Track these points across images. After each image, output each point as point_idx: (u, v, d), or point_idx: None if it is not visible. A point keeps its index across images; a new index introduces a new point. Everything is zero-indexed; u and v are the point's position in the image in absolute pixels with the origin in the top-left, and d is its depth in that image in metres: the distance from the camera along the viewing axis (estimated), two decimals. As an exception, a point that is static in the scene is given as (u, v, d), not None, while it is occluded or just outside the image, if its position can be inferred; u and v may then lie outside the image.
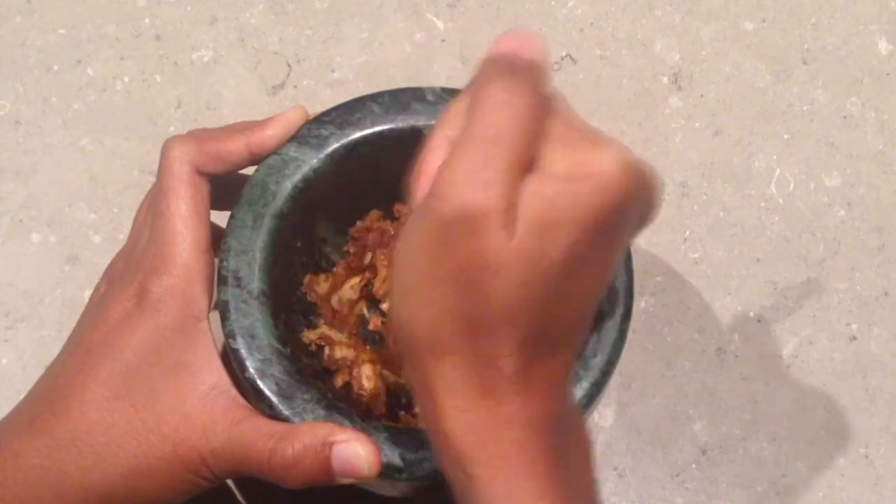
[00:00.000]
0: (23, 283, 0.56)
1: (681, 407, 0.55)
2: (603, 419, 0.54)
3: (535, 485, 0.32)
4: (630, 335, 0.51)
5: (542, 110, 0.32)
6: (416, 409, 0.47)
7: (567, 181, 0.31)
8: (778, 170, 0.59)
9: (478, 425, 0.32)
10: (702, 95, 0.60)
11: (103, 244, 0.57)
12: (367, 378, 0.47)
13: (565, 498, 0.33)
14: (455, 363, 0.32)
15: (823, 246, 0.58)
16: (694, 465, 0.54)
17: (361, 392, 0.47)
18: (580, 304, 0.33)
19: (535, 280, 0.31)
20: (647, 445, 0.54)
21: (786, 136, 0.60)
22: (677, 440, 0.54)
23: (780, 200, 0.58)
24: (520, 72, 0.32)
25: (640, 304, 0.56)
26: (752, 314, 0.56)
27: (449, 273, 0.31)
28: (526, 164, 0.31)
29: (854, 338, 0.56)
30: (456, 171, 0.30)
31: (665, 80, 0.61)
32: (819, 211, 0.58)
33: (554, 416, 0.33)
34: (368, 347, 0.49)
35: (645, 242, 0.57)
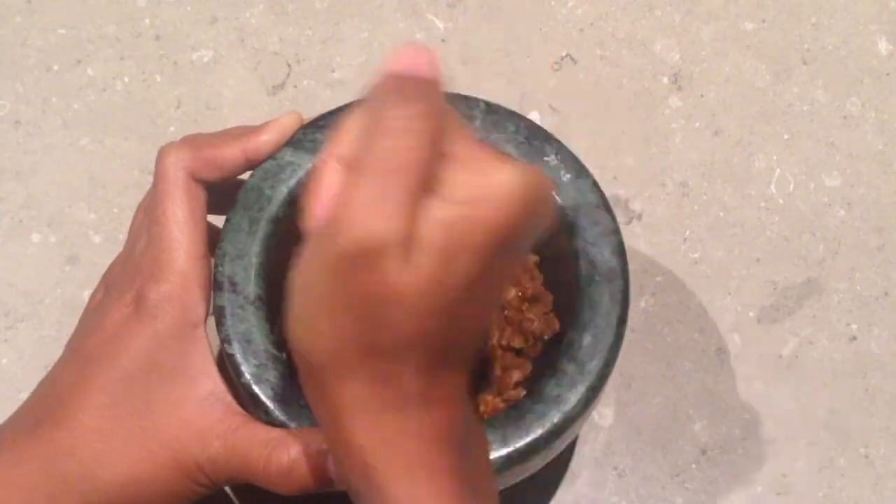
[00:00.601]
0: (23, 283, 0.56)
1: (681, 407, 0.54)
2: (603, 419, 0.54)
3: (436, 495, 0.33)
4: (630, 335, 0.51)
5: (439, 132, 0.31)
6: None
7: (465, 205, 0.30)
8: (778, 170, 0.59)
9: (380, 440, 0.32)
10: (702, 95, 0.60)
11: (103, 244, 0.57)
12: None
13: (464, 501, 0.33)
14: (356, 382, 0.32)
15: (823, 246, 0.58)
16: (694, 465, 0.54)
17: None
18: (478, 321, 0.34)
19: (437, 308, 0.31)
20: (647, 445, 0.54)
21: (786, 136, 0.60)
22: (677, 440, 0.54)
23: (780, 200, 0.58)
24: (415, 93, 0.31)
25: (639, 304, 0.56)
26: (752, 314, 0.56)
27: (349, 304, 0.31)
28: (425, 188, 0.30)
29: (854, 338, 0.56)
30: (354, 203, 0.30)
31: (665, 80, 0.61)
32: (819, 211, 0.58)
33: (455, 428, 0.34)
34: None
35: (645, 242, 0.57)
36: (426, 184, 0.31)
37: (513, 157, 0.32)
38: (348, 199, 0.30)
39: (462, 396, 0.34)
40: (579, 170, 0.45)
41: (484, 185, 0.31)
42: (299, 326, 0.32)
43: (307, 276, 0.32)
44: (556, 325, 0.46)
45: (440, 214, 0.30)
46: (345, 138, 0.32)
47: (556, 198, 0.32)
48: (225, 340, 0.41)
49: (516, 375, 0.46)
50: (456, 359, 0.33)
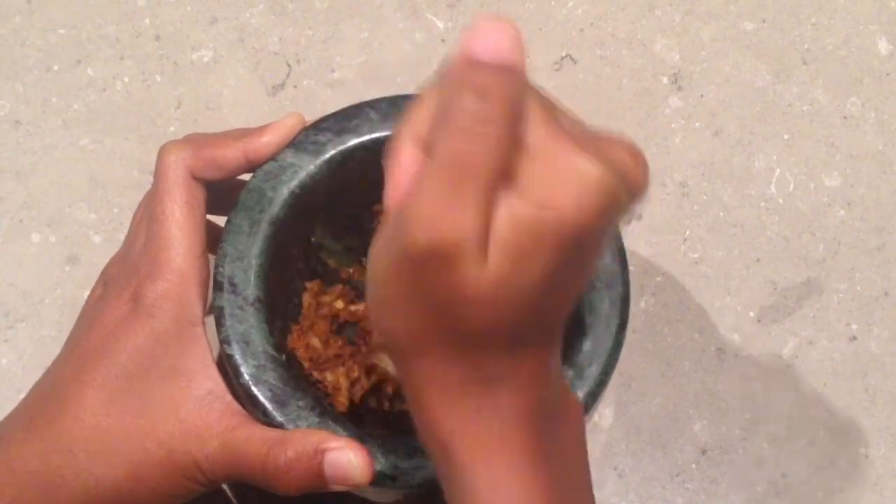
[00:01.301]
0: (23, 283, 0.56)
1: (681, 407, 0.54)
2: (603, 419, 0.54)
3: (516, 474, 0.32)
4: (630, 335, 0.51)
5: (517, 126, 0.30)
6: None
7: (540, 203, 0.30)
8: (778, 170, 0.59)
9: (461, 418, 0.32)
10: (702, 95, 0.60)
11: (103, 244, 0.57)
12: (329, 373, 0.47)
13: (546, 486, 0.33)
14: (436, 360, 0.32)
15: (823, 246, 0.58)
16: (694, 465, 0.54)
17: (325, 386, 0.47)
18: (559, 308, 0.33)
19: (513, 303, 0.30)
20: (647, 445, 0.54)
21: (786, 136, 0.60)
22: (677, 440, 0.54)
23: (780, 200, 0.58)
24: (493, 87, 0.30)
25: (639, 304, 0.56)
26: (752, 314, 0.56)
27: (424, 300, 0.31)
28: (498, 186, 0.30)
29: (854, 338, 0.56)
30: (424, 203, 0.29)
31: (665, 80, 0.61)
32: (819, 211, 0.58)
33: (540, 408, 0.33)
34: (339, 343, 0.49)
35: (645, 242, 0.57)
36: (500, 182, 0.30)
37: (604, 141, 0.31)
38: (422, 194, 0.30)
39: (548, 374, 0.34)
40: None
41: (560, 182, 0.30)
42: (381, 314, 0.32)
43: (384, 266, 0.31)
44: None
45: (515, 212, 0.30)
46: (421, 116, 0.31)
47: (646, 178, 0.32)
48: (224, 341, 0.41)
49: None
50: (538, 339, 0.33)
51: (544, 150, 0.30)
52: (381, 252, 0.31)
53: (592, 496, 0.36)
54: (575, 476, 0.36)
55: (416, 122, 0.31)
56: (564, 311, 0.34)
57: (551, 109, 0.32)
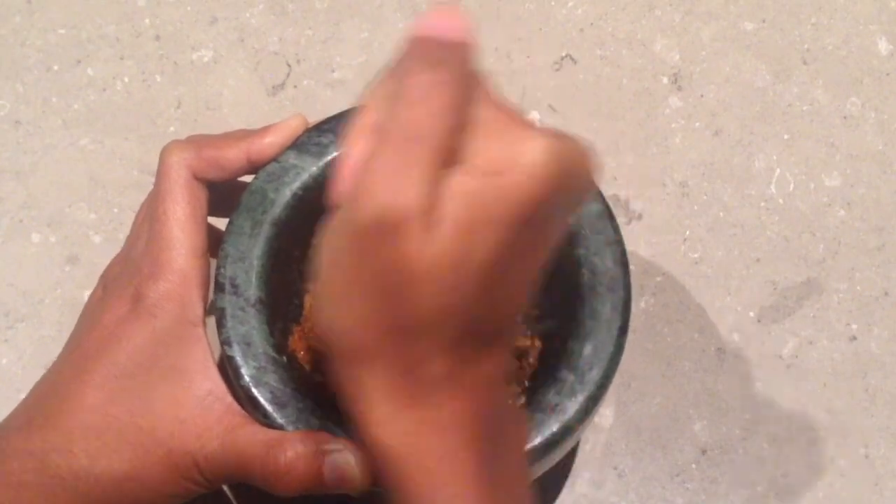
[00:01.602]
0: (23, 283, 0.56)
1: (681, 407, 0.54)
2: (603, 419, 0.54)
3: (457, 496, 0.31)
4: (630, 335, 0.51)
5: (465, 99, 0.30)
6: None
7: (491, 175, 0.29)
8: (778, 170, 0.59)
9: (403, 432, 0.31)
10: (702, 95, 0.60)
11: (103, 244, 0.57)
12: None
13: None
14: (379, 370, 0.31)
15: (823, 246, 0.58)
16: (694, 465, 0.54)
17: (326, 388, 0.47)
18: (511, 297, 0.32)
19: (461, 282, 0.29)
20: (647, 445, 0.54)
21: (786, 136, 0.60)
22: (677, 440, 0.54)
23: (780, 200, 0.58)
24: (441, 57, 0.30)
25: (640, 305, 0.56)
26: (752, 314, 0.56)
27: (370, 279, 0.29)
28: (448, 158, 0.29)
29: (854, 338, 0.56)
30: (374, 174, 0.29)
31: (665, 80, 0.61)
32: (819, 211, 0.58)
33: (486, 419, 0.32)
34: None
35: (645, 242, 0.57)
36: (449, 153, 0.29)
37: (550, 130, 0.31)
38: (368, 170, 0.29)
39: (496, 381, 0.33)
40: None
41: (510, 154, 0.29)
42: (323, 307, 0.31)
43: (330, 252, 0.30)
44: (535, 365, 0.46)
45: (462, 185, 0.29)
46: (373, 106, 0.31)
47: (595, 165, 0.32)
48: (225, 342, 0.41)
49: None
50: (486, 339, 0.31)
51: (492, 125, 0.30)
52: (328, 239, 0.31)
53: None
54: (518, 494, 0.34)
55: (369, 112, 0.31)
56: (514, 308, 0.32)
57: (497, 94, 0.31)
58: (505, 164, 0.29)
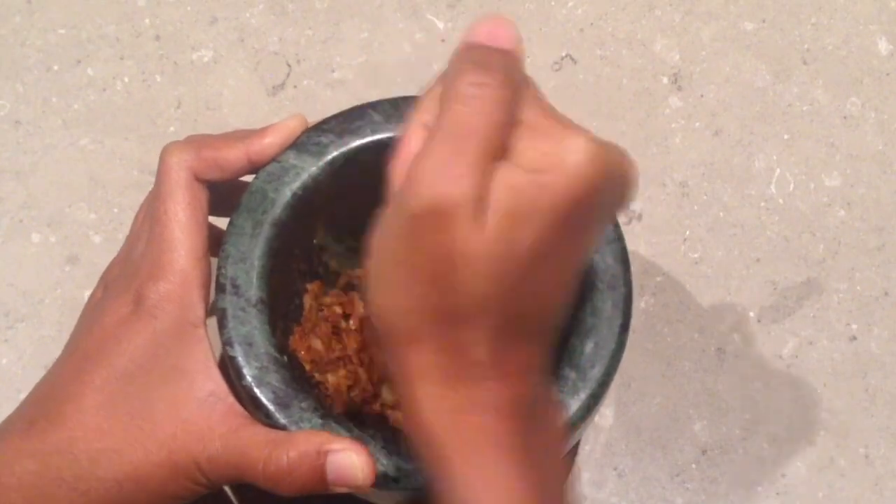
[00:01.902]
0: (23, 283, 0.56)
1: (681, 407, 0.54)
2: (603, 419, 0.54)
3: (502, 468, 0.33)
4: (630, 335, 0.51)
5: (514, 100, 0.32)
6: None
7: (536, 172, 0.31)
8: (778, 170, 0.59)
9: (448, 410, 0.33)
10: (702, 95, 0.60)
11: (103, 244, 0.57)
12: (330, 375, 0.47)
13: (531, 482, 0.33)
14: (427, 350, 0.32)
15: (823, 246, 0.58)
16: (694, 465, 0.54)
17: (326, 388, 0.47)
18: (552, 292, 0.33)
19: (506, 270, 0.31)
20: (647, 445, 0.54)
21: (786, 136, 0.60)
22: (677, 440, 0.54)
23: (780, 200, 0.58)
24: (492, 62, 0.32)
25: (640, 305, 0.56)
26: (752, 314, 0.56)
27: (421, 264, 0.31)
28: (496, 154, 0.31)
29: (854, 338, 0.56)
30: (426, 165, 0.31)
31: (665, 80, 0.61)
32: (819, 211, 0.58)
33: (524, 403, 0.33)
34: (341, 346, 0.49)
35: (645, 242, 0.57)
36: (498, 150, 0.31)
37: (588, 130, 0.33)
38: (421, 161, 0.31)
39: (536, 372, 0.34)
40: None
41: (555, 153, 0.31)
42: (374, 286, 0.33)
43: (384, 240, 0.32)
44: None
45: (510, 179, 0.31)
46: (427, 106, 0.33)
47: (635, 174, 0.34)
48: (227, 343, 0.41)
49: None
50: (528, 329, 0.33)
51: (539, 125, 0.32)
52: (382, 228, 0.32)
53: (567, 496, 0.37)
54: (555, 479, 0.36)
55: (423, 111, 0.33)
56: (554, 303, 0.34)
57: (543, 96, 0.34)
58: (550, 162, 0.31)
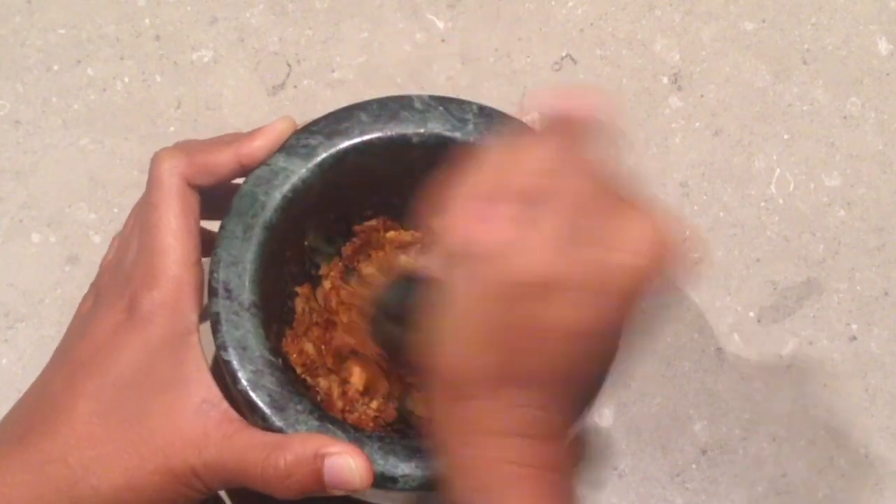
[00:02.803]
0: (23, 283, 0.56)
1: (681, 407, 0.54)
2: (603, 419, 0.54)
3: None
4: (630, 335, 0.51)
5: (589, 174, 0.34)
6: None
7: (608, 250, 0.33)
8: (778, 170, 0.59)
9: (498, 458, 0.35)
10: (702, 95, 0.60)
11: (103, 244, 0.56)
12: (322, 379, 0.48)
13: None
14: (489, 407, 0.34)
15: (823, 246, 0.57)
16: (694, 465, 0.54)
17: (318, 392, 0.47)
18: (603, 365, 0.37)
19: (577, 346, 0.33)
20: (647, 445, 0.54)
21: (786, 136, 0.60)
22: (677, 440, 0.54)
23: (780, 200, 0.58)
24: (570, 134, 0.34)
25: (639, 305, 0.56)
26: (752, 314, 0.56)
27: (505, 331, 0.33)
28: (573, 227, 0.33)
29: (854, 338, 0.56)
30: (522, 240, 0.32)
31: (665, 80, 0.61)
32: (819, 211, 0.58)
33: (558, 466, 0.36)
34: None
35: (645, 242, 0.57)
36: (583, 232, 0.33)
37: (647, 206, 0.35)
38: (513, 235, 0.33)
39: (564, 441, 0.37)
40: None
41: (625, 232, 0.33)
42: (445, 340, 0.34)
43: (460, 297, 0.34)
44: None
45: (583, 255, 0.33)
46: (486, 173, 0.34)
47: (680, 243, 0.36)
48: (221, 347, 0.41)
49: None
50: (573, 396, 0.36)
51: (613, 210, 0.34)
52: (457, 288, 0.34)
53: None
54: None
55: (483, 175, 0.34)
56: (602, 376, 0.38)
57: (616, 172, 0.35)
58: (620, 241, 0.33)
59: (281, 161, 0.44)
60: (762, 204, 0.58)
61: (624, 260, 0.33)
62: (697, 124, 0.59)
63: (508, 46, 0.61)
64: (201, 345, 0.41)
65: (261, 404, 0.40)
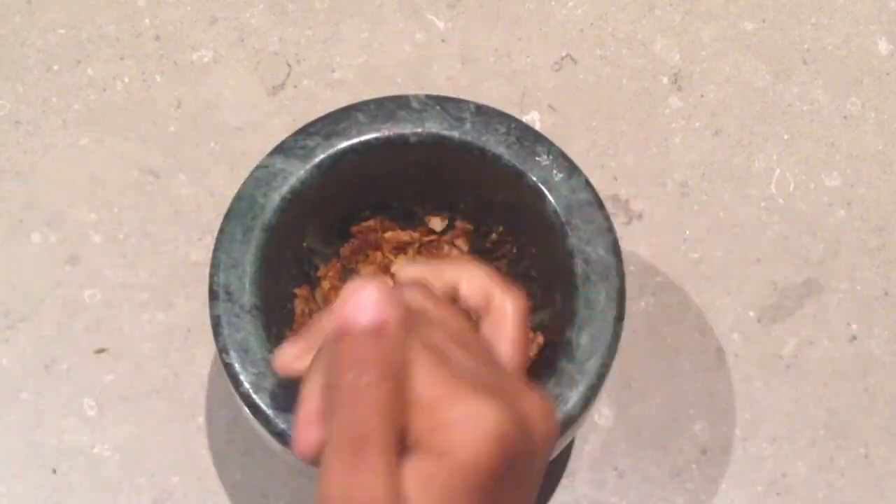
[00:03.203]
0: (23, 283, 0.56)
1: (681, 407, 0.54)
2: (603, 419, 0.54)
3: None
4: (630, 335, 0.51)
5: (398, 385, 0.31)
6: None
7: (442, 455, 0.30)
8: (778, 170, 0.59)
9: None
10: (702, 95, 0.60)
11: (103, 244, 0.57)
12: None
13: None
14: None
15: (823, 246, 0.57)
16: (694, 465, 0.54)
17: None
18: None
19: None
20: (647, 445, 0.54)
21: (786, 136, 0.60)
22: (677, 440, 0.54)
23: (780, 200, 0.58)
24: (365, 353, 0.31)
25: (639, 305, 0.56)
26: (752, 314, 0.56)
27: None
28: (398, 444, 0.30)
29: (854, 338, 0.56)
30: (333, 479, 0.30)
31: (665, 80, 0.61)
32: (819, 211, 0.58)
33: None
34: None
35: (645, 242, 0.57)
36: (397, 440, 0.30)
37: (486, 384, 0.32)
38: (330, 474, 0.30)
39: None
40: (571, 169, 0.45)
41: (455, 427, 0.30)
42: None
43: None
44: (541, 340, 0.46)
45: (419, 469, 0.30)
46: (310, 396, 0.33)
47: (555, 412, 0.33)
48: (222, 350, 0.41)
49: None
50: None
51: (434, 400, 0.31)
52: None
53: None
54: None
55: (308, 402, 0.33)
56: None
57: (444, 353, 0.32)
58: (454, 441, 0.30)
59: (279, 162, 0.44)
60: (762, 204, 0.58)
61: (461, 459, 0.30)
62: (697, 124, 0.59)
63: (508, 46, 0.61)
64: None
65: (264, 406, 0.40)
